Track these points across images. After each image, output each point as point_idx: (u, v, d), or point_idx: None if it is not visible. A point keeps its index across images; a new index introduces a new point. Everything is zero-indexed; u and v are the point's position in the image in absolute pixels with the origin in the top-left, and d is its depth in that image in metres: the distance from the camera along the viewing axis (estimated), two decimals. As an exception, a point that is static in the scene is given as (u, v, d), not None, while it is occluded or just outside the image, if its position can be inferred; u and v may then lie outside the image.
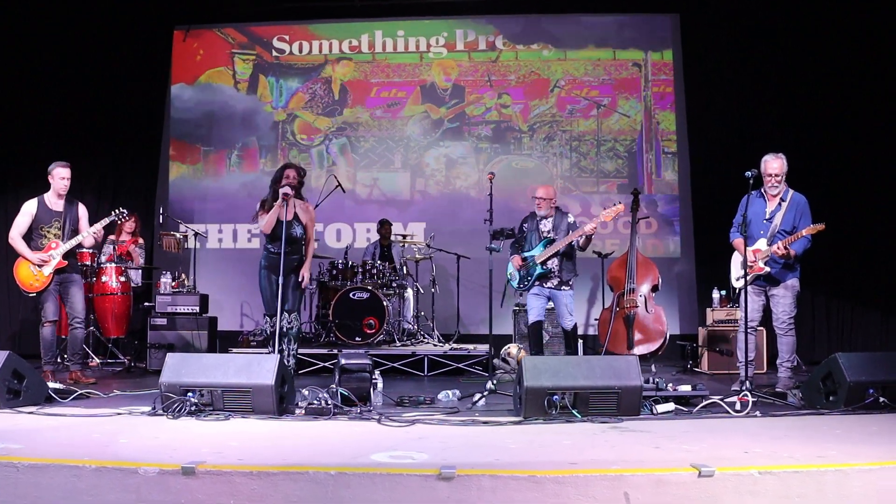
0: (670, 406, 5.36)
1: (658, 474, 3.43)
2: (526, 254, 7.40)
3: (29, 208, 7.23)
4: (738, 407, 5.38)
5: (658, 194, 10.63)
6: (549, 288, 7.39)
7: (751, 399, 5.43)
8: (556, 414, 4.95)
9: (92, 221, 7.51)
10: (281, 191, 6.57)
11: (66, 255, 7.21)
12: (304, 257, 6.94)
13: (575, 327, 7.50)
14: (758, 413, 5.26)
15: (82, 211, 7.46)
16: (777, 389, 6.44)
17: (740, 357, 6.67)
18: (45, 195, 7.30)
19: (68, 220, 7.29)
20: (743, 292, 6.50)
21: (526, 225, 7.60)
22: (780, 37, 9.92)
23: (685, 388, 5.75)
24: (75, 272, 7.43)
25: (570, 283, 7.42)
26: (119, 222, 7.60)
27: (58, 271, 7.18)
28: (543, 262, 7.29)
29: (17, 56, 10.35)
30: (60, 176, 7.25)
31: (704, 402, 5.48)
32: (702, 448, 4.04)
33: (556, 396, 4.96)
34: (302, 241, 6.91)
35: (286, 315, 6.69)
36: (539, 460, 3.74)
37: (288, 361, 6.57)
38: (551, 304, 7.61)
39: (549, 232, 7.41)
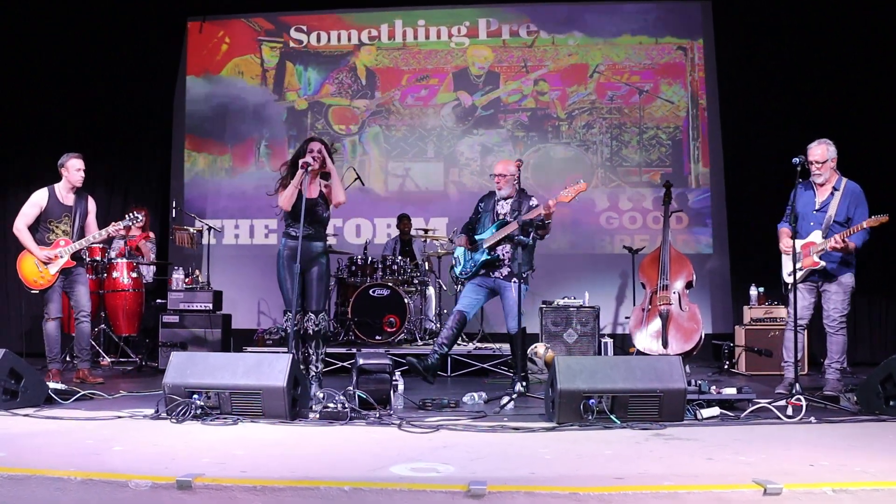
0: (715, 411, 4.93)
1: (717, 492, 3.01)
2: (477, 237, 6.56)
3: (38, 199, 6.87)
4: (789, 412, 4.92)
5: (689, 188, 10.15)
6: (494, 278, 6.47)
7: (804, 403, 4.98)
8: (592, 419, 4.53)
9: (102, 216, 7.20)
10: (301, 161, 5.78)
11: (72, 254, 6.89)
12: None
13: (521, 332, 6.30)
14: (812, 419, 4.80)
15: (91, 205, 7.12)
16: (826, 392, 6.01)
17: (787, 357, 6.26)
18: (56, 186, 6.94)
19: (78, 215, 6.95)
20: (793, 287, 6.06)
21: (482, 205, 6.71)
22: (816, 22, 9.46)
23: (730, 391, 5.32)
24: (80, 266, 7.09)
25: (525, 277, 6.32)
26: (132, 226, 7.26)
27: (64, 269, 6.85)
28: (492, 248, 6.40)
29: (27, 51, 10.22)
30: (76, 168, 6.91)
31: (753, 407, 5.04)
32: (760, 460, 3.61)
33: (592, 400, 4.55)
34: (326, 225, 6.15)
35: (312, 316, 5.86)
36: (580, 474, 3.31)
37: (316, 367, 5.88)
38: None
39: (505, 215, 6.52)
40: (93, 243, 7.14)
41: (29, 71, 10.21)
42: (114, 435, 4.20)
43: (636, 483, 3.09)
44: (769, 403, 5.06)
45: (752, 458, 3.63)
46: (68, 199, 6.94)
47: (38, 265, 6.77)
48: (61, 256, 6.79)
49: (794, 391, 5.32)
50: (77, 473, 3.14)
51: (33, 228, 6.84)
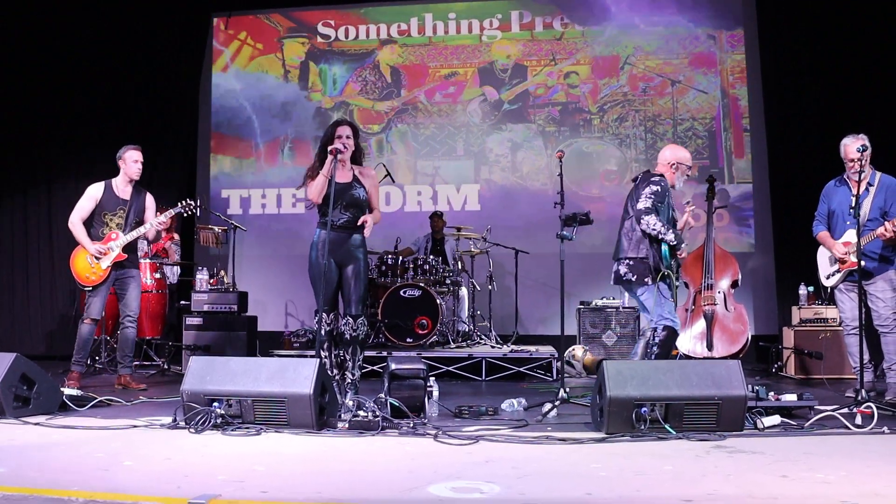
0: (776, 419, 4.53)
1: (802, 517, 2.64)
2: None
3: (93, 192, 6.65)
4: (858, 421, 4.52)
5: (731, 183, 9.70)
6: None
7: (875, 412, 4.57)
8: (644, 429, 4.16)
9: None
10: (329, 147, 5.25)
11: (125, 248, 6.61)
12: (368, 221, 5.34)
13: None
14: (885, 429, 4.37)
15: (150, 201, 6.86)
16: (888, 399, 5.60)
17: (853, 363, 5.87)
18: (114, 180, 6.74)
19: (133, 209, 6.70)
20: (859, 288, 5.67)
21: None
22: (865, 8, 8.98)
23: (790, 398, 4.93)
24: (134, 267, 6.83)
25: None
26: (185, 215, 7.00)
27: (116, 265, 6.58)
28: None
29: (51, 47, 10.07)
30: (133, 159, 6.71)
31: (818, 416, 4.63)
32: (841, 478, 3.21)
33: (644, 409, 4.18)
34: (365, 207, 5.40)
35: (350, 320, 5.28)
36: (642, 495, 2.94)
37: (353, 373, 5.32)
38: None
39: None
40: (148, 238, 6.89)
41: (50, 68, 10.05)
42: (126, 447, 3.88)
43: (708, 507, 2.72)
44: (835, 411, 4.66)
45: (830, 476, 3.24)
46: (125, 192, 6.72)
47: (89, 260, 6.52)
48: (112, 250, 6.53)
49: (859, 398, 4.94)
50: (80, 494, 2.82)
51: (88, 223, 6.62)
